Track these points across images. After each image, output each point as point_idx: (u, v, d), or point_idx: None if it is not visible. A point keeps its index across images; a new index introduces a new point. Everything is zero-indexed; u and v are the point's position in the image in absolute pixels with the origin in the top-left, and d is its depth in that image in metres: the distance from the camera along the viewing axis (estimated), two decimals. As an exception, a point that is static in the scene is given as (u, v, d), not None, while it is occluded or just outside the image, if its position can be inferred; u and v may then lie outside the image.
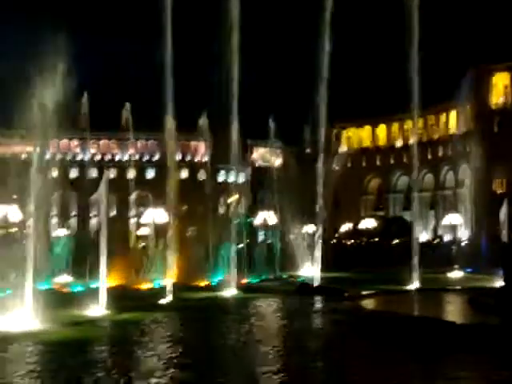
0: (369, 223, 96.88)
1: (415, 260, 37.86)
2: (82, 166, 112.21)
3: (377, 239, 79.63)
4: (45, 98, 24.01)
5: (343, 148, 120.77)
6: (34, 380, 14.94)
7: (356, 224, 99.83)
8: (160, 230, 56.25)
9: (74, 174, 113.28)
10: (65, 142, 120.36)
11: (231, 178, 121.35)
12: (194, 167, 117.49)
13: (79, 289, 34.80)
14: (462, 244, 69.39)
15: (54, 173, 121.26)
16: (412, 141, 55.78)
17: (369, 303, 26.88)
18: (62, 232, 63.99)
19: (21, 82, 24.16)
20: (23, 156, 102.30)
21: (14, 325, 21.41)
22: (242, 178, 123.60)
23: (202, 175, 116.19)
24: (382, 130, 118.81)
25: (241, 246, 45.53)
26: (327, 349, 19.13)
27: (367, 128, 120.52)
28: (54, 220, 69.24)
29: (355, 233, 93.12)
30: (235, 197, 60.46)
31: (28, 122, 24.22)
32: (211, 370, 15.67)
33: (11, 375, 15.33)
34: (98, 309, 26.08)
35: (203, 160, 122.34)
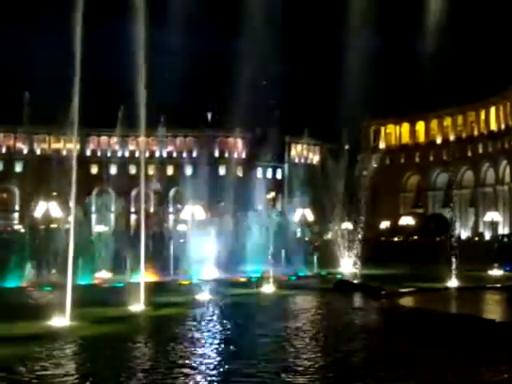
0: (408, 220, 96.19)
1: (454, 258, 37.50)
2: (122, 162, 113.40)
3: (416, 237, 78.98)
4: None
5: (382, 145, 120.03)
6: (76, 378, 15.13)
7: (395, 221, 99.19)
8: (198, 226, 56.63)
9: (113, 170, 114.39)
10: (104, 138, 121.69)
11: (269, 175, 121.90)
12: (232, 164, 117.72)
13: (119, 284, 35.15)
14: (503, 241, 68.54)
15: (94, 169, 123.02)
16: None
17: (407, 301, 26.68)
18: (101, 228, 64.57)
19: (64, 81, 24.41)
20: (64, 153, 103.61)
21: (56, 321, 21.69)
22: (279, 175, 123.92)
23: (240, 172, 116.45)
24: (420, 126, 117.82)
25: (279, 243, 45.58)
26: (367, 345, 19.07)
27: (406, 125, 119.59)
28: (94, 216, 69.90)
29: (394, 230, 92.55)
30: (272, 194, 60.55)
31: (68, 120, 24.45)
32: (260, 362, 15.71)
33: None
34: (137, 304, 26.32)
35: (241, 157, 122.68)
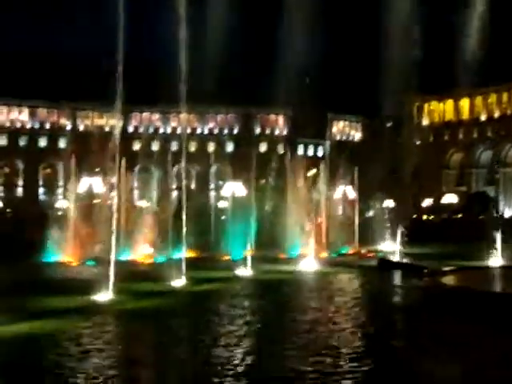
0: (451, 198, 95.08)
1: (498, 236, 36.95)
2: (164, 139, 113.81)
3: (460, 215, 77.92)
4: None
5: (425, 122, 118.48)
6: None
7: (438, 199, 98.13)
8: (239, 203, 56.70)
9: (155, 146, 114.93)
10: (146, 115, 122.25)
11: (310, 152, 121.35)
12: (273, 141, 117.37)
13: (161, 260, 35.43)
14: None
15: (137, 146, 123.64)
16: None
17: (450, 279, 26.37)
18: (143, 204, 65.06)
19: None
20: (106, 129, 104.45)
21: (99, 295, 21.93)
22: (321, 152, 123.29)
23: (280, 149, 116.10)
24: (465, 103, 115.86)
25: (319, 220, 45.42)
26: (409, 324, 18.92)
27: (450, 101, 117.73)
28: (136, 192, 70.41)
29: (437, 208, 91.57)
30: (314, 171, 60.22)
31: (110, 96, 24.52)
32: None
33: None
34: (178, 279, 26.49)
35: (282, 134, 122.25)
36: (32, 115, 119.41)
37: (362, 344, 15.82)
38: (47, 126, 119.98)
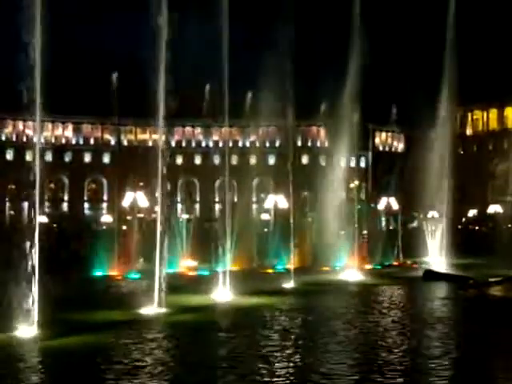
0: (497, 208, 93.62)
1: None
2: (206, 152, 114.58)
3: (510, 225, 76.29)
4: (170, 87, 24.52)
5: (469, 131, 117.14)
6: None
7: (483, 209, 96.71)
8: (281, 216, 56.68)
9: (197, 160, 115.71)
10: (189, 129, 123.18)
11: (352, 164, 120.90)
12: (314, 153, 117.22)
13: (205, 272, 35.55)
14: None
15: (179, 159, 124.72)
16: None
17: (496, 290, 26.03)
18: (186, 217, 65.46)
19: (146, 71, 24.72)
20: (149, 143, 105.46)
21: (144, 309, 22.10)
22: (363, 163, 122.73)
23: (322, 161, 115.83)
24: (510, 111, 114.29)
25: (364, 232, 45.17)
26: (457, 336, 18.67)
27: (494, 110, 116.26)
28: (180, 206, 70.96)
29: (483, 218, 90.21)
30: (356, 182, 60.00)
31: (154, 111, 24.78)
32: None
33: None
34: (222, 293, 26.55)
35: (324, 145, 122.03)
36: (76, 131, 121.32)
37: (407, 359, 15.68)
38: (91, 141, 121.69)
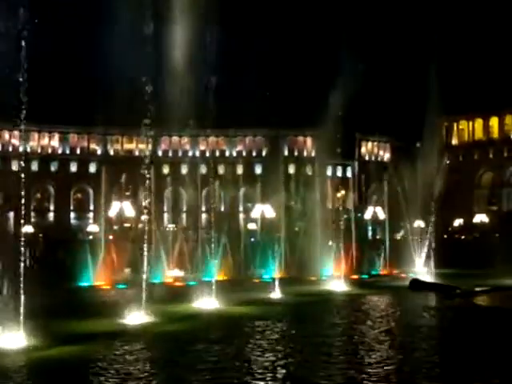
0: (482, 218, 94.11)
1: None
2: (193, 162, 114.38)
3: (497, 235, 76.59)
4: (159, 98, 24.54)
5: (454, 141, 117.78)
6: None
7: (468, 219, 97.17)
8: (268, 225, 56.74)
9: (184, 170, 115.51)
10: (175, 139, 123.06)
11: (339, 173, 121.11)
12: (301, 162, 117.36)
13: (192, 282, 35.47)
14: None
15: (166, 169, 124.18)
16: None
17: (483, 300, 26.14)
18: (173, 227, 65.35)
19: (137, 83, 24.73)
20: (136, 153, 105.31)
21: (131, 319, 22.03)
22: (349, 173, 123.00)
23: (309, 170, 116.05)
24: (494, 122, 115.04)
25: (349, 242, 45.22)
26: (443, 345, 18.73)
27: (479, 120, 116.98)
28: (166, 215, 70.84)
29: (468, 228, 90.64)
30: (343, 192, 60.18)
31: (140, 121, 24.78)
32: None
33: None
34: (210, 302, 26.52)
35: (311, 155, 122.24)
36: (63, 141, 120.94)
37: (392, 363, 15.69)
38: (78, 151, 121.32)
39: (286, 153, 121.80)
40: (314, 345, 18.48)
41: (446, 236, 74.00)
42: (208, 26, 28.17)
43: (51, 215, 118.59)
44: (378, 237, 64.25)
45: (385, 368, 15.13)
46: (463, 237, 79.78)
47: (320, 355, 16.81)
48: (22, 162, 20.06)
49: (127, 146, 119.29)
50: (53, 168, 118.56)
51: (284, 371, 15.16)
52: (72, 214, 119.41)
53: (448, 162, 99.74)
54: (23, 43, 18.92)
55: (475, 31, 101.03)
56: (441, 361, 16.30)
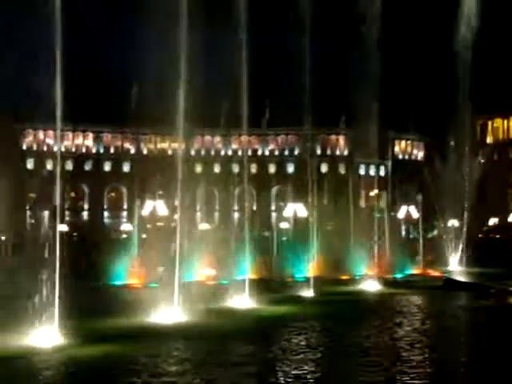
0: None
1: None
2: (225, 161, 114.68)
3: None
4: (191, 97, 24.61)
5: (489, 139, 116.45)
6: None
7: (504, 218, 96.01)
8: (300, 225, 56.60)
9: (217, 169, 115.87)
10: (208, 138, 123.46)
11: (372, 172, 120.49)
12: (334, 161, 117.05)
13: (224, 281, 35.48)
14: None
15: (199, 168, 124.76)
16: None
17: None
18: (205, 226, 65.52)
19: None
20: (169, 152, 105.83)
21: (164, 318, 22.10)
22: (383, 172, 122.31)
23: (342, 169, 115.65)
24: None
25: (383, 241, 44.92)
26: (477, 346, 18.51)
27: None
28: (199, 214, 71.11)
29: (503, 227, 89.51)
30: (376, 191, 59.75)
31: (174, 120, 24.87)
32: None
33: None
34: (242, 301, 26.54)
35: (343, 154, 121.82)
36: (97, 140, 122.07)
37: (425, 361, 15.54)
38: (111, 150, 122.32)
39: (319, 151, 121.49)
40: (344, 344, 18.43)
41: (480, 235, 73.17)
42: (237, 23, 28.18)
43: (85, 214, 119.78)
44: (411, 236, 63.78)
45: (422, 370, 15.01)
46: (498, 236, 78.77)
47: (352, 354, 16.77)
48: (57, 162, 20.19)
49: (160, 145, 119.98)
50: (87, 167, 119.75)
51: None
52: (106, 213, 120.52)
53: (482, 160, 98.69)
54: (58, 42, 19.09)
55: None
56: (476, 362, 16.13)
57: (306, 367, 15.38)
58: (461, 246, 42.95)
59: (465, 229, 43.36)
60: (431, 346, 18.33)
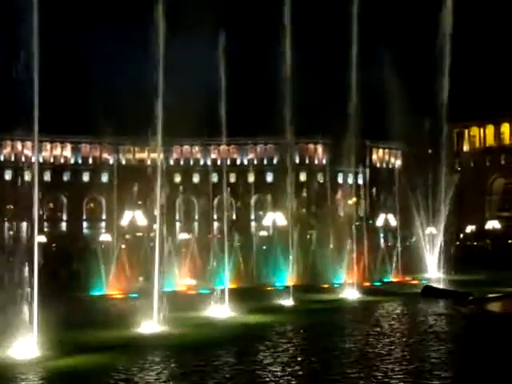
0: (494, 224, 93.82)
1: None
2: (204, 170, 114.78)
3: (510, 241, 76.27)
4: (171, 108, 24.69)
5: (465, 148, 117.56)
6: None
7: (480, 225, 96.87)
8: (280, 233, 56.71)
9: (196, 178, 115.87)
10: (187, 148, 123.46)
11: (350, 180, 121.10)
12: (312, 170, 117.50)
13: (204, 291, 35.50)
14: None
15: (177, 178, 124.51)
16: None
17: (495, 306, 26.04)
18: (184, 236, 65.43)
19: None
20: (148, 162, 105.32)
21: (144, 328, 22.09)
22: (361, 180, 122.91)
23: (320, 178, 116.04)
24: (506, 128, 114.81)
25: (361, 248, 45.11)
26: (455, 353, 18.69)
27: (490, 127, 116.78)
28: (178, 224, 71.06)
29: (480, 234, 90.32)
30: (354, 199, 60.10)
31: (152, 130, 24.91)
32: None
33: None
34: (223, 311, 26.57)
35: (322, 162, 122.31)
36: (75, 151, 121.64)
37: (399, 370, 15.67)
38: (90, 160, 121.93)
39: (298, 160, 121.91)
40: (325, 352, 18.54)
41: (458, 242, 73.77)
42: (218, 32, 28.34)
43: (64, 225, 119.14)
44: (389, 244, 64.09)
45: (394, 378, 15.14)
46: (475, 243, 79.49)
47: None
48: (34, 173, 20.14)
49: (139, 156, 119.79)
50: (65, 178, 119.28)
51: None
52: (84, 224, 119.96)
53: (459, 168, 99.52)
54: (36, 53, 19.09)
55: (487, 36, 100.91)
56: (450, 368, 16.29)
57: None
58: (438, 254, 43.15)
59: (442, 236, 43.61)
60: (403, 354, 18.47)
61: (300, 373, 15.99)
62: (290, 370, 16.15)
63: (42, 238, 67.29)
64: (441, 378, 15.12)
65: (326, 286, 39.81)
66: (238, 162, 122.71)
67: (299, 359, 17.70)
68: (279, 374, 15.68)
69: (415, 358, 17.48)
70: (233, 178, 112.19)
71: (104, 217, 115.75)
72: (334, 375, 15.38)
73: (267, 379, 15.24)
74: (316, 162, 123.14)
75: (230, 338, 21.61)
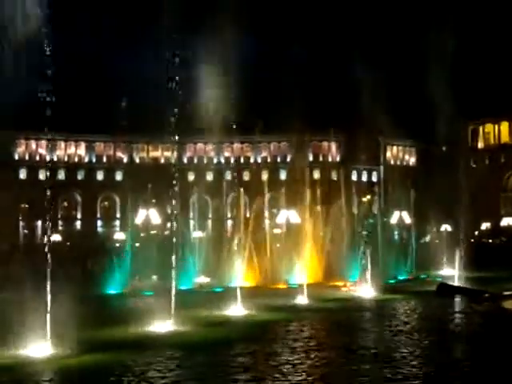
0: (510, 221, 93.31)
1: None
2: (218, 169, 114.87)
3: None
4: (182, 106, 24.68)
5: (480, 145, 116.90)
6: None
7: (496, 222, 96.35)
8: (293, 231, 56.62)
9: (209, 177, 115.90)
10: (200, 146, 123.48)
11: (364, 178, 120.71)
12: (326, 167, 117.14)
13: (218, 289, 35.52)
14: None
15: (191, 176, 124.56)
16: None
17: (511, 304, 25.89)
18: (198, 234, 65.46)
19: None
20: (162, 161, 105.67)
21: (158, 326, 22.09)
22: (375, 177, 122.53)
23: (334, 175, 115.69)
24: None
25: (376, 246, 45.00)
26: (471, 351, 18.59)
27: (505, 123, 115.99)
28: (192, 222, 71.13)
29: (496, 231, 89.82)
30: (368, 196, 59.96)
31: (166, 129, 24.92)
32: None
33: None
34: (236, 309, 26.56)
35: (336, 160, 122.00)
36: (89, 149, 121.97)
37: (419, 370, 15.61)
38: (104, 159, 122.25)
39: (311, 158, 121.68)
40: (343, 350, 18.50)
41: (472, 240, 73.40)
42: (234, 34, 28.39)
43: (78, 223, 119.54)
44: (404, 241, 63.88)
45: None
46: (490, 240, 79.04)
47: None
48: (48, 171, 20.21)
49: (152, 154, 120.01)
50: (79, 177, 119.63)
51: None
52: (99, 222, 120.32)
53: (474, 165, 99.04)
54: (49, 52, 19.14)
55: (502, 34, 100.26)
56: (468, 367, 16.20)
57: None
58: (453, 251, 42.94)
59: (458, 233, 43.42)
60: (419, 351, 18.40)
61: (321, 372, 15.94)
62: (296, 365, 16.12)
63: (57, 237, 67.67)
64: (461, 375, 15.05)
65: (340, 283, 39.72)
66: (252, 160, 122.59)
67: (317, 358, 17.64)
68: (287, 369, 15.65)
69: (434, 357, 17.38)
70: (246, 176, 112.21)
71: (118, 215, 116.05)
72: (361, 375, 15.32)
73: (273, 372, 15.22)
74: (330, 159, 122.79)
75: (242, 335, 21.55)
